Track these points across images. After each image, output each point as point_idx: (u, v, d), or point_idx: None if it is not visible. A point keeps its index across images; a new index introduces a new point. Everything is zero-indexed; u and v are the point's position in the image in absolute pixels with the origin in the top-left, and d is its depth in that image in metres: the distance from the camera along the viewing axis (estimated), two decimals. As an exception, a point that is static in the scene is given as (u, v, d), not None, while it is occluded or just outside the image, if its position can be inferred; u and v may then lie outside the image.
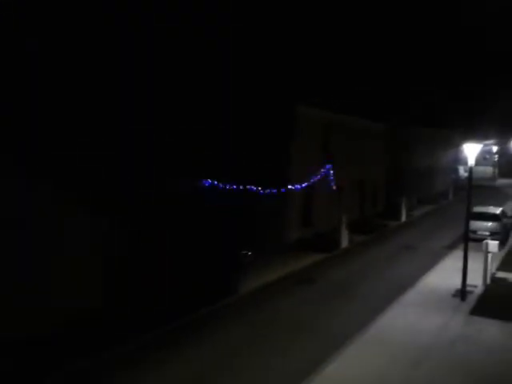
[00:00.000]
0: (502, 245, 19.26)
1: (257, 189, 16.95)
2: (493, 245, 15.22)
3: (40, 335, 9.56)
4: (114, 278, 11.66)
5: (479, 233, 20.84)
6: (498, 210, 22.61)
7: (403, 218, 28.26)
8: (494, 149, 53.18)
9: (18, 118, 9.75)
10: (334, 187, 22.85)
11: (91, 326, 10.39)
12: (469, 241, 14.16)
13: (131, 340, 10.57)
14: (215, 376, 9.45)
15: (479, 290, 14.86)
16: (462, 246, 14.86)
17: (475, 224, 20.56)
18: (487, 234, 20.63)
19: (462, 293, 13.82)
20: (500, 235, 20.82)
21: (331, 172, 22.40)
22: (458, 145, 37.64)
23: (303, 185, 20.15)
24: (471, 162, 13.75)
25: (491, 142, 47.07)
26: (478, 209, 22.42)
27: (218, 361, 10.08)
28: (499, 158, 57.57)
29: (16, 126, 9.70)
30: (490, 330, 11.80)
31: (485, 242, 15.45)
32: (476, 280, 15.11)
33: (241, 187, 16.10)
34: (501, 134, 44.28)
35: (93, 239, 11.25)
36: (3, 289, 9.44)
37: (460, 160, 43.79)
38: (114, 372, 9.43)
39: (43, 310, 9.96)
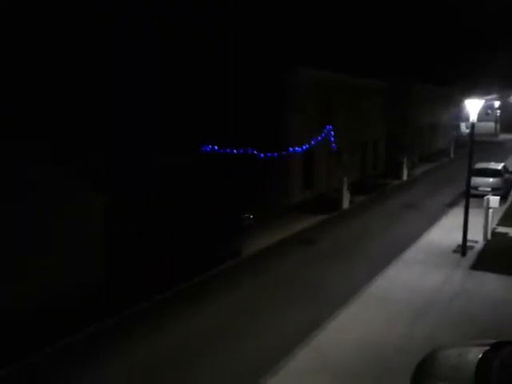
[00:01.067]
0: (503, 200, 19.31)
1: (257, 152, 16.88)
2: (494, 200, 15.25)
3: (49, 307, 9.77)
4: (118, 248, 11.77)
5: (480, 189, 20.85)
6: (500, 166, 22.57)
7: (404, 177, 28.25)
8: (496, 104, 52.46)
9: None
10: (335, 148, 22.75)
11: (96, 296, 10.59)
12: (470, 197, 14.20)
13: (141, 303, 10.81)
14: (217, 334, 9.71)
15: (480, 245, 15.00)
16: (463, 203, 14.90)
17: (477, 180, 20.53)
18: (489, 189, 20.65)
19: (463, 248, 13.96)
20: (501, 190, 20.86)
21: (332, 133, 22.24)
22: (459, 101, 37.14)
23: (304, 147, 20.06)
24: (473, 118, 13.60)
25: (493, 96, 46.38)
26: (479, 165, 22.37)
27: (222, 319, 10.32)
28: (501, 113, 56.93)
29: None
30: (491, 283, 11.99)
31: (486, 197, 15.49)
32: (477, 236, 15.23)
33: (241, 151, 16.04)
34: (503, 89, 43.58)
35: (94, 211, 11.31)
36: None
37: (461, 116, 43.32)
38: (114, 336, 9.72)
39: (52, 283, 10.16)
